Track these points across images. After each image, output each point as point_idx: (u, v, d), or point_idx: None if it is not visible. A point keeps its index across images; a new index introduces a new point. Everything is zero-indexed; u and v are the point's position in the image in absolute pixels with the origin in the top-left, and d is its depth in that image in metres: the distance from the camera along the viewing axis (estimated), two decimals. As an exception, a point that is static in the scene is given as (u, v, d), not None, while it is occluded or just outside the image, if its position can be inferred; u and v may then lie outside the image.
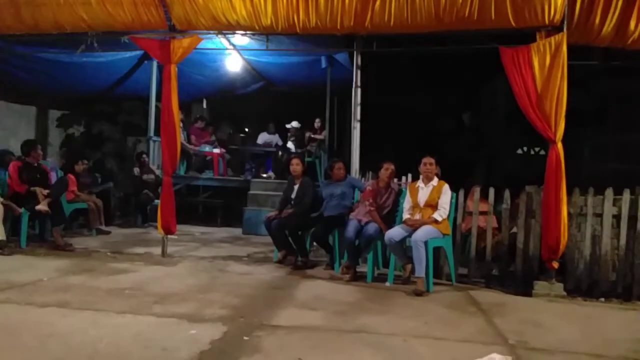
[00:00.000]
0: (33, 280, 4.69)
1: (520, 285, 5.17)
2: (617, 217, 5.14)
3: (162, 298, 4.27)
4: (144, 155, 9.20)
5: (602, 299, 5.03)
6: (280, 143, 11.21)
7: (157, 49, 6.03)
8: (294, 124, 10.98)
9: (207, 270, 5.55)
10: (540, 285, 5.02)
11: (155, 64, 9.16)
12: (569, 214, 5.05)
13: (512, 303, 4.72)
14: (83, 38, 6.34)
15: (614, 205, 5.13)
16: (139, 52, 8.39)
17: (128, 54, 8.47)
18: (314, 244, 6.19)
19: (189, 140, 10.02)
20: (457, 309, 4.42)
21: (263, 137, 11.39)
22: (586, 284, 5.18)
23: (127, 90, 10.23)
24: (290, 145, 10.86)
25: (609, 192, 5.13)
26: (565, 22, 4.98)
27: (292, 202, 6.24)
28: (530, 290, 5.02)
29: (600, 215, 5.17)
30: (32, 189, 6.44)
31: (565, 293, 5.01)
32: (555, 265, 5.02)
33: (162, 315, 3.81)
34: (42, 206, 6.33)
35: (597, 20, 5.11)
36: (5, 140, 8.75)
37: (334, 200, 5.96)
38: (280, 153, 10.48)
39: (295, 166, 6.30)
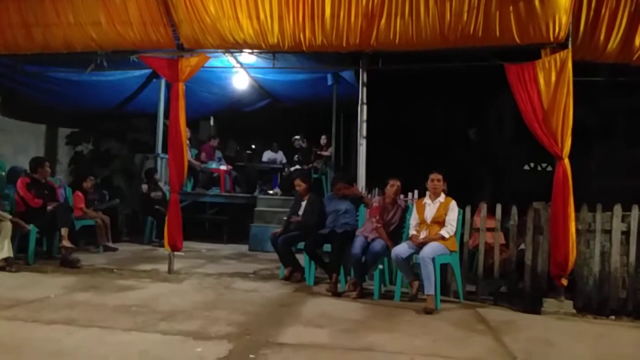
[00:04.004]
0: (40, 297, 4.69)
1: (529, 302, 5.11)
2: (626, 234, 5.09)
3: (168, 315, 4.26)
4: (156, 174, 9.23)
5: (613, 317, 4.95)
6: (284, 161, 11.28)
7: (166, 67, 6.10)
8: (297, 137, 11.07)
9: (213, 287, 5.53)
10: (549, 303, 4.96)
11: (163, 82, 9.24)
12: (577, 230, 5.01)
13: (521, 321, 4.66)
14: (93, 57, 6.45)
15: (622, 221, 5.09)
16: (147, 71, 8.48)
17: (137, 73, 8.56)
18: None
19: (198, 157, 10.08)
20: (465, 327, 4.37)
21: (267, 155, 11.48)
22: (596, 301, 5.11)
23: (135, 108, 10.32)
24: (295, 161, 10.90)
25: (617, 208, 5.09)
26: (570, 39, 5.01)
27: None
28: (539, 307, 4.96)
29: (609, 232, 5.12)
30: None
31: (575, 311, 4.95)
32: (564, 282, 4.97)
33: (168, 332, 3.80)
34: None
35: (602, 37, 5.13)
36: (15, 157, 8.83)
37: (340, 218, 5.93)
38: (286, 170, 10.52)
39: (298, 186, 6.32)
